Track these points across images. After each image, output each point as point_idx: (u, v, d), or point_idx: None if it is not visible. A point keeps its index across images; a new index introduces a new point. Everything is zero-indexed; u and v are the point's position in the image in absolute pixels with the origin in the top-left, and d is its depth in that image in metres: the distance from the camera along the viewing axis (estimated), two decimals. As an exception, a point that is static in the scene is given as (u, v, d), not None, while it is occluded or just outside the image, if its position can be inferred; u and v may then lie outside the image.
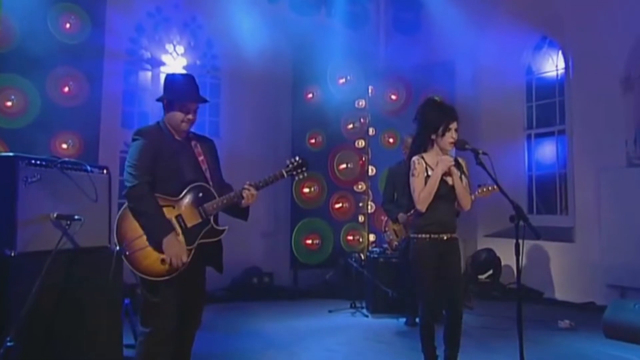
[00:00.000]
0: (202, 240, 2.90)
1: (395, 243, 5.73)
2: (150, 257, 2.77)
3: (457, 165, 3.66)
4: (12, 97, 5.74)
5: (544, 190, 7.94)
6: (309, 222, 7.36)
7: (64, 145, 5.95)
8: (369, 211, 7.33)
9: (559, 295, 6.98)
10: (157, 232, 2.78)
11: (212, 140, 3.24)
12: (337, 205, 7.58)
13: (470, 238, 7.85)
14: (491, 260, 7.37)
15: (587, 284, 6.61)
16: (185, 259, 2.79)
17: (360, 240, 7.40)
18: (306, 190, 7.39)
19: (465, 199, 3.67)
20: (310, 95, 7.67)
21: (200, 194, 2.92)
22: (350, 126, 7.56)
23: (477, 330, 5.39)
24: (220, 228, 2.99)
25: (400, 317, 5.77)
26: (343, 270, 7.30)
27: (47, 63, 5.87)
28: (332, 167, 7.40)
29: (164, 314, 2.79)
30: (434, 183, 3.55)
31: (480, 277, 7.54)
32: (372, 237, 7.27)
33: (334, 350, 4.69)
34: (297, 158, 3.15)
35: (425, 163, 3.64)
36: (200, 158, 3.02)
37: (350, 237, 7.52)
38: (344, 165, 7.47)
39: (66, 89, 6.06)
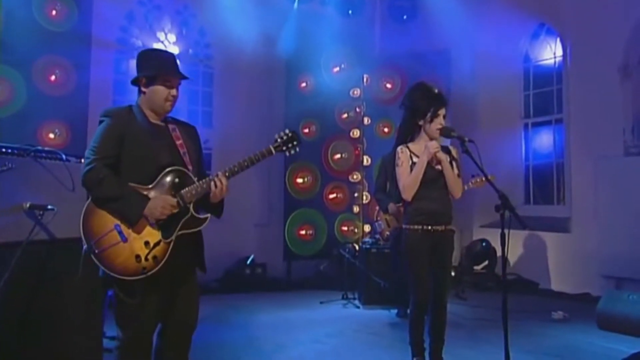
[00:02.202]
0: (181, 232, 2.58)
1: (387, 233, 5.65)
2: (123, 254, 2.46)
3: (447, 152, 3.56)
4: (-3, 85, 5.66)
5: (541, 180, 7.85)
6: (302, 212, 7.30)
7: (51, 135, 5.86)
8: (364, 202, 7.28)
9: (555, 286, 6.91)
10: (133, 210, 2.47)
11: (194, 126, 2.90)
12: (332, 196, 7.53)
13: (466, 229, 7.80)
14: (486, 251, 7.30)
15: (583, 274, 6.55)
16: (173, 203, 2.53)
17: (355, 230, 7.33)
18: (300, 180, 7.32)
19: (455, 186, 3.54)
20: (304, 84, 7.56)
21: (177, 180, 2.60)
22: (345, 115, 7.49)
23: (470, 321, 5.34)
24: (202, 217, 2.65)
25: (392, 309, 5.70)
26: (337, 261, 7.23)
27: (33, 51, 5.78)
28: (327, 157, 7.34)
29: (142, 317, 2.54)
30: (419, 170, 3.46)
31: (475, 268, 7.47)
32: (367, 228, 7.20)
33: (323, 342, 4.62)
34: (286, 131, 2.78)
35: (410, 151, 3.55)
36: (179, 142, 2.69)
37: (345, 228, 7.46)
38: (338, 155, 7.41)
39: (53, 78, 5.97)
